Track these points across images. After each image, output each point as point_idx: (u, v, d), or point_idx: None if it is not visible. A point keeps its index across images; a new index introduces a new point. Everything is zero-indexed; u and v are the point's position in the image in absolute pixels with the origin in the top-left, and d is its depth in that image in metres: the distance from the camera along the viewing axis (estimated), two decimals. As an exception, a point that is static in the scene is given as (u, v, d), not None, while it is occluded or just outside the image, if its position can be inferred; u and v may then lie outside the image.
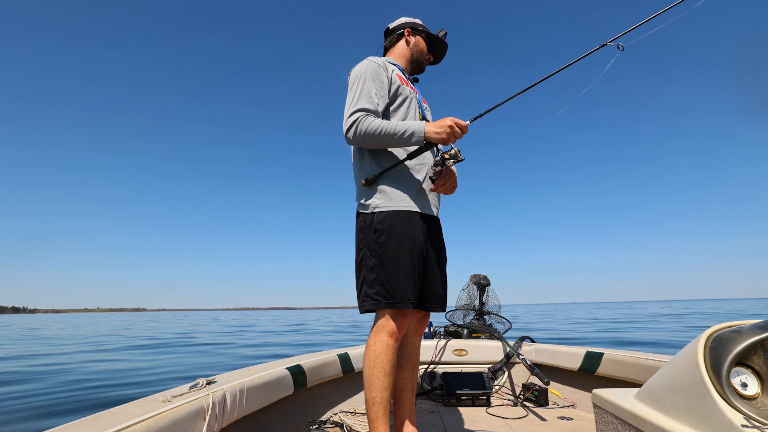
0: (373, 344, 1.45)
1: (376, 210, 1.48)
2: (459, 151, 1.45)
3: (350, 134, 1.45)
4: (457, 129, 1.41)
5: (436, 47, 1.79)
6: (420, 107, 1.65)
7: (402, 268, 1.43)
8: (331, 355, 2.27)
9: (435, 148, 1.61)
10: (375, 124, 1.42)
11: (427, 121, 1.64)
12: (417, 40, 1.73)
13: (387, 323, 1.45)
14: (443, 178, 1.53)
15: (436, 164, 1.49)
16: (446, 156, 1.45)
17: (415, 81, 1.78)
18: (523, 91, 1.46)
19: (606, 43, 1.43)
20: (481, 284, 3.21)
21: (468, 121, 1.45)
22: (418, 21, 1.77)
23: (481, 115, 1.46)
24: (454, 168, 1.60)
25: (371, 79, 1.50)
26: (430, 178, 1.55)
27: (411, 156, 1.49)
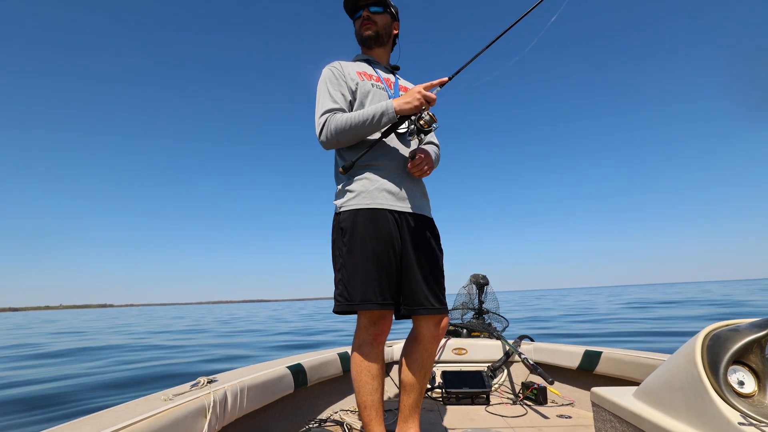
0: (356, 347, 1.44)
1: (342, 209, 1.46)
2: (434, 116, 1.39)
3: (323, 137, 1.44)
4: (426, 93, 1.35)
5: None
6: (392, 95, 1.57)
7: (362, 268, 1.36)
8: (331, 353, 2.28)
9: (410, 122, 1.48)
10: (343, 118, 1.41)
11: None
12: (355, 32, 1.67)
13: (366, 325, 1.42)
14: (416, 160, 1.47)
15: (410, 133, 1.42)
16: (422, 124, 1.38)
17: (396, 69, 1.73)
18: (487, 47, 1.36)
19: None
20: (480, 283, 3.23)
21: (448, 78, 1.38)
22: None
23: (459, 71, 1.37)
24: (430, 150, 1.55)
25: (329, 82, 1.52)
26: (410, 157, 1.48)
27: (384, 135, 1.44)
